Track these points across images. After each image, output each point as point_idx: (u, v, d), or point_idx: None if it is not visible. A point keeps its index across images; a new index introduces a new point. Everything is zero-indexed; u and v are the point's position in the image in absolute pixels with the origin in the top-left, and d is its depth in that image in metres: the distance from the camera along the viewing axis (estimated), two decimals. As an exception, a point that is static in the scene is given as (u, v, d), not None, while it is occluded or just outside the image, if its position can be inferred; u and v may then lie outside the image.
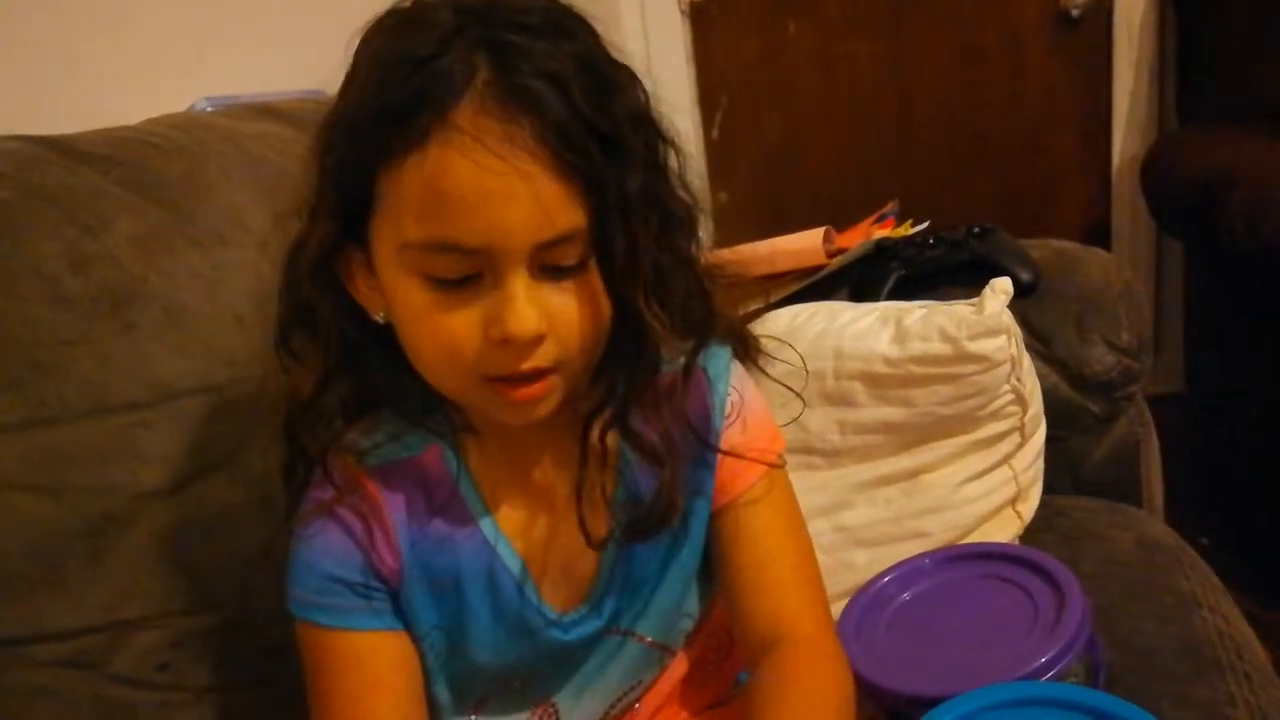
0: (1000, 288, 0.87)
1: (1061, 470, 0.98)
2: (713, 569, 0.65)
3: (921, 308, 0.90)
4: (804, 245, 1.12)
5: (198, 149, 0.78)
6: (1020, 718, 0.55)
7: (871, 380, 0.87)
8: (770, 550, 0.61)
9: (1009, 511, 0.88)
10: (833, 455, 0.88)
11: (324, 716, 0.57)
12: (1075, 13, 1.88)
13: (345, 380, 0.55)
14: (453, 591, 0.59)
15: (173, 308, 0.68)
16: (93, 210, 0.67)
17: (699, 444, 0.59)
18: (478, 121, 0.47)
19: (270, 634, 0.66)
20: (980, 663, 0.62)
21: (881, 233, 1.16)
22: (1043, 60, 1.93)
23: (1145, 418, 1.02)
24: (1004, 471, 0.88)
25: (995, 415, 0.87)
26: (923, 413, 0.86)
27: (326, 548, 0.57)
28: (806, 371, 0.77)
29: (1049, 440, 0.92)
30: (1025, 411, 0.88)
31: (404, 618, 0.59)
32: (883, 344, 0.87)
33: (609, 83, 0.50)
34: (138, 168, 0.72)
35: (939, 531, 0.85)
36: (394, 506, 0.58)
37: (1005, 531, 0.88)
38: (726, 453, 0.60)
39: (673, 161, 0.55)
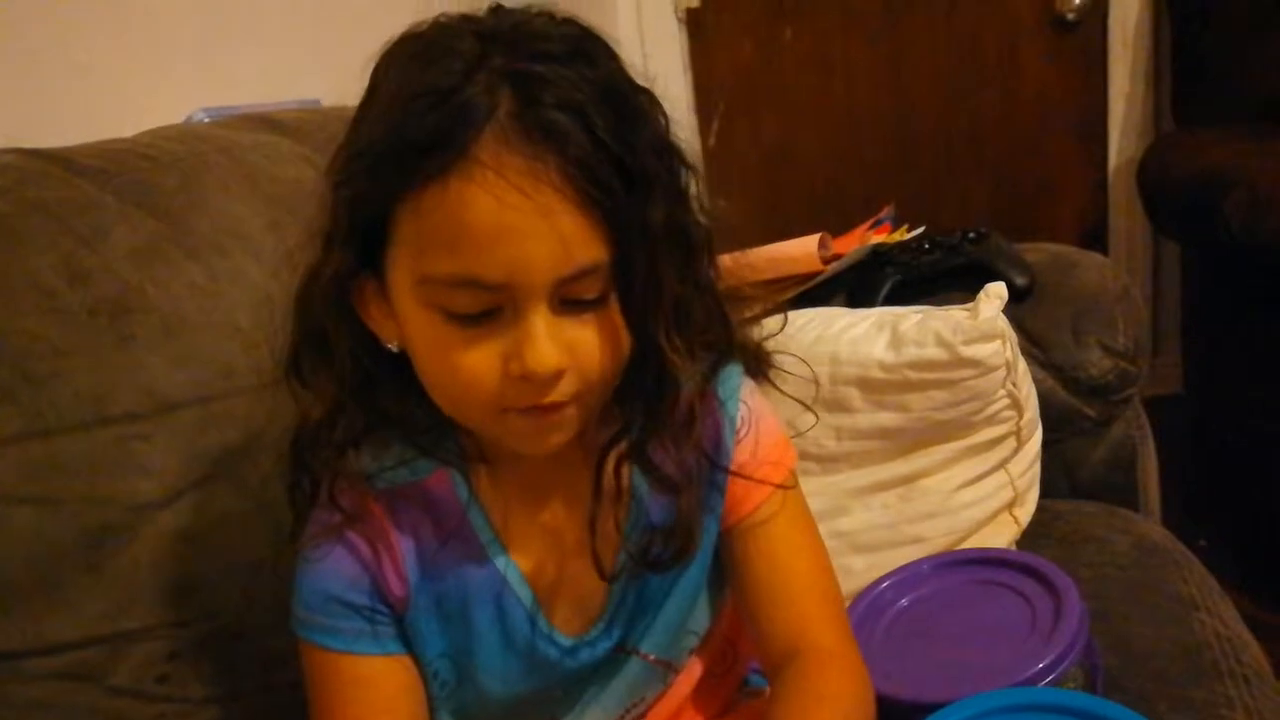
0: (995, 292, 0.88)
1: (1058, 474, 0.98)
2: (722, 585, 0.64)
3: (917, 313, 0.90)
4: (800, 251, 1.12)
5: (195, 160, 0.78)
6: (1017, 723, 0.55)
7: (867, 386, 0.87)
8: (787, 565, 0.61)
9: (1006, 516, 0.88)
10: (829, 461, 0.88)
11: None
12: (1071, 16, 1.88)
13: (356, 406, 0.55)
14: (460, 619, 0.58)
15: (170, 319, 0.68)
16: (90, 222, 0.67)
17: (710, 465, 0.59)
18: (500, 156, 0.46)
19: (268, 645, 0.66)
20: (978, 668, 0.62)
21: (877, 238, 1.16)
22: (1038, 64, 1.94)
23: (1142, 421, 1.03)
24: (1000, 476, 0.88)
25: (991, 420, 0.87)
26: (919, 418, 0.86)
27: (333, 570, 0.56)
28: (817, 385, 0.76)
29: (1045, 444, 0.92)
30: (1021, 416, 0.88)
31: (410, 644, 0.58)
32: (878, 349, 0.87)
33: (632, 111, 0.49)
34: (135, 179, 0.72)
35: (936, 537, 0.85)
36: (402, 532, 0.57)
37: (1002, 536, 0.88)
38: (737, 474, 0.59)
39: (691, 184, 0.54)
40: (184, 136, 0.81)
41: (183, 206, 0.73)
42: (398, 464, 0.57)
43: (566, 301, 0.50)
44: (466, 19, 0.50)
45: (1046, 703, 0.56)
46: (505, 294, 0.48)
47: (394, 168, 0.48)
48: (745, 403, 0.60)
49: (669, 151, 0.52)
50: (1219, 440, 1.60)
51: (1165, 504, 1.08)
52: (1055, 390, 0.96)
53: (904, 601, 0.73)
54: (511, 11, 0.51)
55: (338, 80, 0.55)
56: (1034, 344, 0.97)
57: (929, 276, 1.07)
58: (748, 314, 0.61)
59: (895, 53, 1.99)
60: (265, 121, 0.90)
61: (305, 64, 1.18)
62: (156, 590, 0.63)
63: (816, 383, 0.81)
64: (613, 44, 0.51)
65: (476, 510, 0.58)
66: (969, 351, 0.83)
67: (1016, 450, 0.88)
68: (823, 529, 0.83)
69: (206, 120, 0.93)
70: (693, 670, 0.67)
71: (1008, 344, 0.85)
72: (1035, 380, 0.92)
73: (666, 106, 0.54)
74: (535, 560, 0.59)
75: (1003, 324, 0.85)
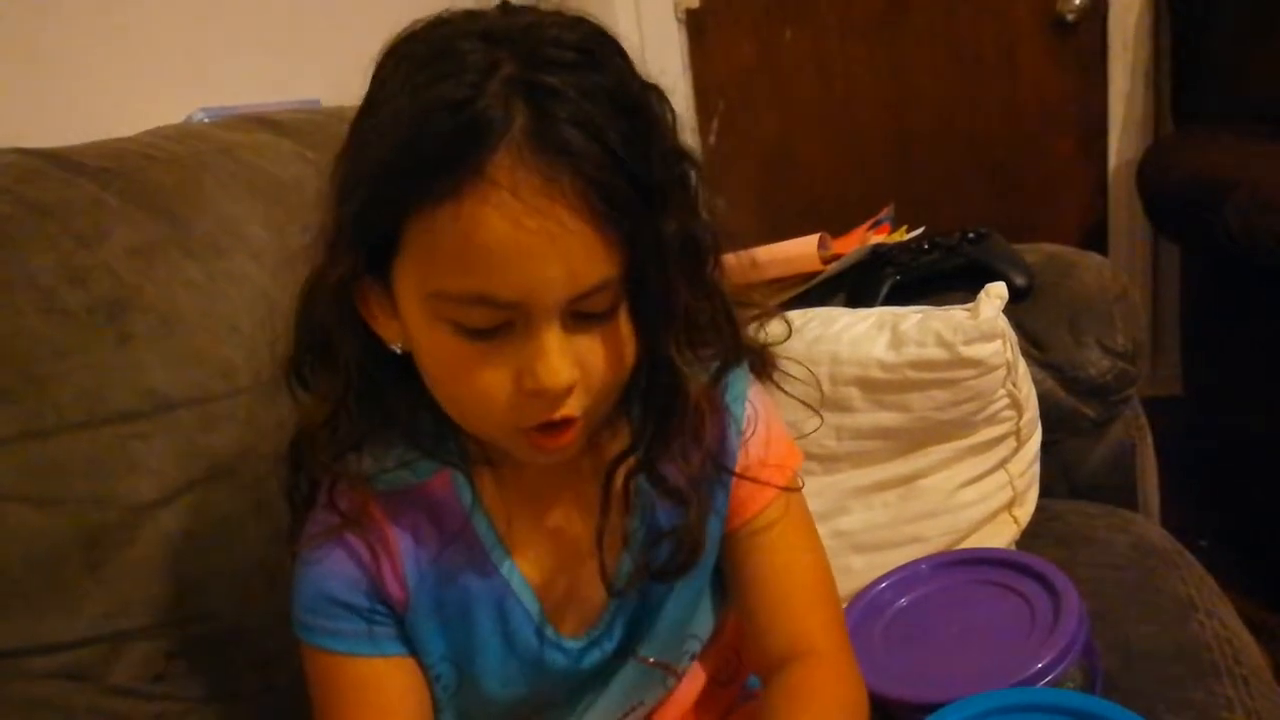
0: (995, 292, 0.88)
1: (1057, 474, 0.98)
2: (726, 587, 0.64)
3: (917, 313, 0.90)
4: (800, 251, 1.12)
5: (194, 160, 0.78)
6: (1016, 723, 0.55)
7: (867, 385, 0.87)
8: (788, 570, 0.61)
9: (1005, 516, 0.88)
10: (829, 461, 0.88)
11: None
12: (1070, 17, 1.88)
13: (358, 408, 0.54)
14: (461, 622, 0.58)
15: (169, 318, 0.68)
16: (89, 222, 0.67)
17: (715, 467, 0.58)
18: (515, 175, 0.45)
19: (267, 644, 0.66)
20: (977, 668, 0.62)
21: (877, 238, 1.16)
22: (1038, 65, 1.94)
23: (1141, 421, 1.03)
24: (1000, 476, 0.88)
25: (991, 420, 0.87)
26: (919, 418, 0.86)
27: (332, 572, 0.56)
28: (822, 393, 0.76)
29: (1045, 444, 0.92)
30: (1021, 416, 0.88)
31: (411, 646, 0.58)
32: (879, 349, 0.87)
33: (643, 119, 0.49)
34: (134, 179, 0.72)
35: (935, 536, 0.85)
36: (402, 534, 0.57)
37: (1002, 536, 0.88)
38: (742, 476, 0.59)
39: (698, 185, 0.54)
40: (184, 137, 0.82)
41: (182, 206, 0.73)
42: (399, 466, 0.57)
43: (577, 315, 0.49)
44: (472, 16, 0.49)
45: (1045, 703, 0.56)
46: (518, 310, 0.48)
47: (405, 183, 0.47)
48: (751, 403, 0.60)
49: (679, 156, 0.52)
50: (1219, 441, 1.60)
51: (1164, 505, 1.08)
52: (1054, 390, 0.96)
53: (903, 601, 0.73)
54: (521, 11, 0.50)
55: (337, 80, 0.54)
56: (1033, 344, 0.97)
57: (929, 276, 1.07)
58: (751, 315, 0.60)
59: (895, 53, 1.99)
60: (265, 122, 0.90)
61: (305, 64, 1.18)
62: (155, 590, 0.63)
63: (820, 388, 0.81)
64: (620, 40, 0.51)
65: (480, 514, 0.58)
66: (969, 351, 0.83)
67: (1016, 450, 0.88)
68: (822, 529, 0.83)
69: (206, 120, 0.93)
70: (696, 678, 0.66)
71: (1008, 344, 0.85)
72: (1034, 380, 0.92)
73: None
74: (540, 565, 0.59)
75: (1003, 324, 0.85)
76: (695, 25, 2.03)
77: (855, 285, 1.10)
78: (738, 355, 0.58)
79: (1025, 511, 0.90)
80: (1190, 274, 1.78)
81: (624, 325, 0.51)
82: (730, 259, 0.58)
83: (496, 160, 0.45)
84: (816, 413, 0.68)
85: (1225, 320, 1.58)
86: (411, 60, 0.48)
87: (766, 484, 0.60)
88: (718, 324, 0.55)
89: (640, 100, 0.49)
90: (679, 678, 0.65)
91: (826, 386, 0.87)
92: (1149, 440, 1.04)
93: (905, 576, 0.75)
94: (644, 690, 0.64)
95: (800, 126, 2.05)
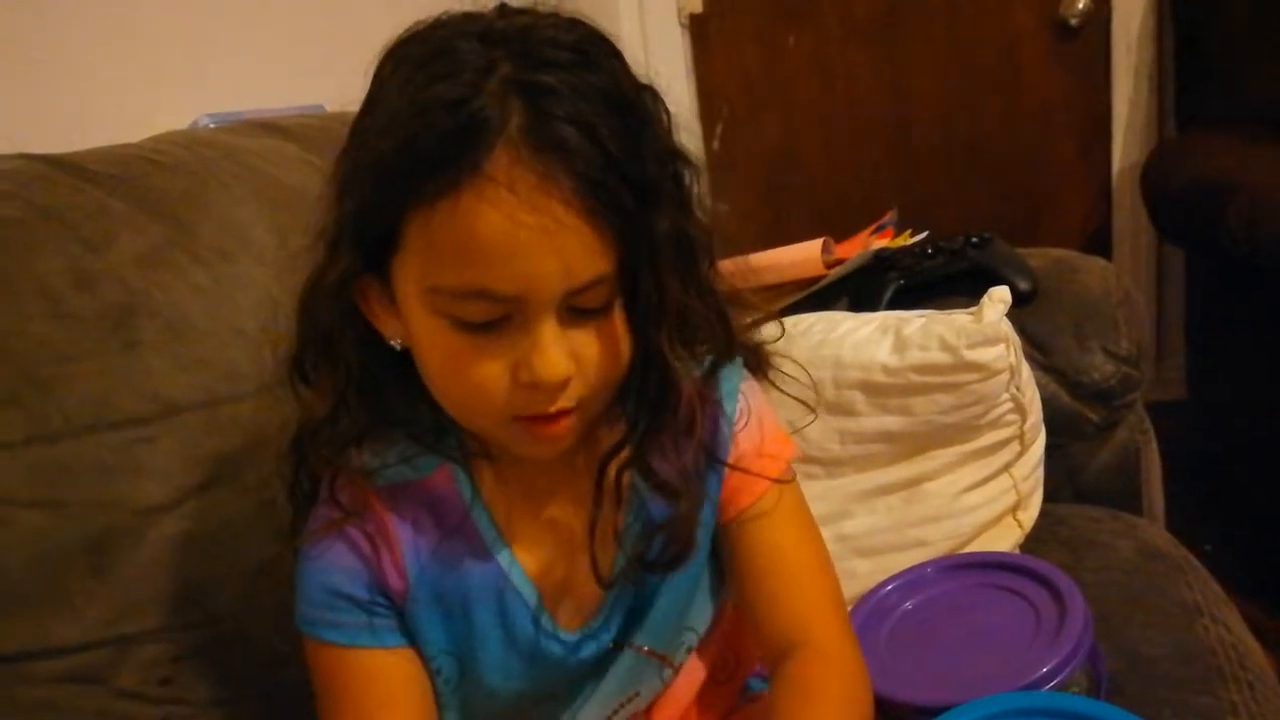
0: (998, 296, 0.88)
1: (1062, 478, 0.98)
2: (723, 583, 0.64)
3: (920, 317, 0.90)
4: (803, 256, 1.13)
5: (200, 165, 0.78)
6: (1021, 727, 0.55)
7: (871, 389, 0.87)
8: (784, 559, 0.61)
9: (1009, 520, 0.88)
10: (833, 465, 0.88)
11: None
12: (1074, 21, 1.88)
13: (359, 403, 0.55)
14: (461, 615, 0.59)
15: (175, 323, 0.68)
16: (96, 227, 0.67)
17: (708, 460, 0.59)
18: (511, 172, 0.46)
19: (272, 646, 0.66)
20: (982, 672, 0.62)
21: (880, 243, 1.16)
22: (1041, 69, 1.94)
23: (1145, 425, 1.02)
24: (1004, 480, 0.88)
25: (995, 424, 0.87)
26: (922, 421, 0.86)
27: (333, 565, 0.57)
28: (816, 393, 0.76)
29: (1049, 448, 0.92)
30: (1025, 420, 0.88)
31: (412, 639, 0.59)
32: (882, 353, 0.87)
33: (638, 118, 0.50)
34: (140, 185, 0.72)
35: (939, 540, 0.85)
36: (402, 528, 0.58)
37: (1006, 540, 0.88)
38: (734, 467, 0.60)
39: (693, 184, 0.55)
40: (189, 142, 0.82)
41: (188, 211, 0.74)
42: (399, 461, 0.58)
43: (573, 309, 0.50)
44: (470, 18, 0.50)
45: (1050, 707, 0.56)
46: (515, 305, 0.49)
47: (404, 180, 0.48)
48: (743, 395, 0.61)
49: (673, 155, 0.53)
50: (1224, 445, 1.60)
51: (1169, 509, 1.08)
52: (1058, 395, 0.96)
53: (908, 605, 0.73)
54: (518, 12, 0.51)
55: (342, 86, 0.55)
56: (1037, 348, 0.97)
57: (932, 281, 1.07)
58: (748, 317, 0.61)
59: (898, 58, 1.99)
60: (270, 127, 0.90)
61: (309, 70, 1.18)
62: (161, 593, 0.63)
63: (815, 389, 0.82)
64: (615, 41, 0.51)
65: (480, 507, 0.59)
66: (973, 355, 0.83)
67: (1020, 454, 0.88)
68: (826, 533, 0.83)
69: (211, 126, 0.93)
70: (694, 674, 0.67)
71: (1011, 348, 0.85)
72: (1038, 385, 0.92)
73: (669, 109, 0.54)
74: (538, 557, 0.60)
75: (1006, 328, 0.85)
76: (698, 30, 2.03)
77: (858, 290, 1.10)
78: (730, 352, 0.59)
79: (1029, 516, 0.90)
80: (1195, 278, 1.78)
81: (619, 321, 0.52)
82: (727, 264, 0.59)
83: (494, 158, 0.46)
84: (811, 410, 0.69)
85: (1230, 324, 1.58)
86: (410, 61, 0.50)
87: (759, 475, 0.60)
88: (710, 321, 0.56)
89: (634, 100, 0.50)
90: (675, 670, 0.65)
91: (830, 391, 0.87)
92: (1154, 444, 1.04)
93: (911, 580, 0.75)
94: (639, 680, 0.64)
95: (803, 131, 2.06)
